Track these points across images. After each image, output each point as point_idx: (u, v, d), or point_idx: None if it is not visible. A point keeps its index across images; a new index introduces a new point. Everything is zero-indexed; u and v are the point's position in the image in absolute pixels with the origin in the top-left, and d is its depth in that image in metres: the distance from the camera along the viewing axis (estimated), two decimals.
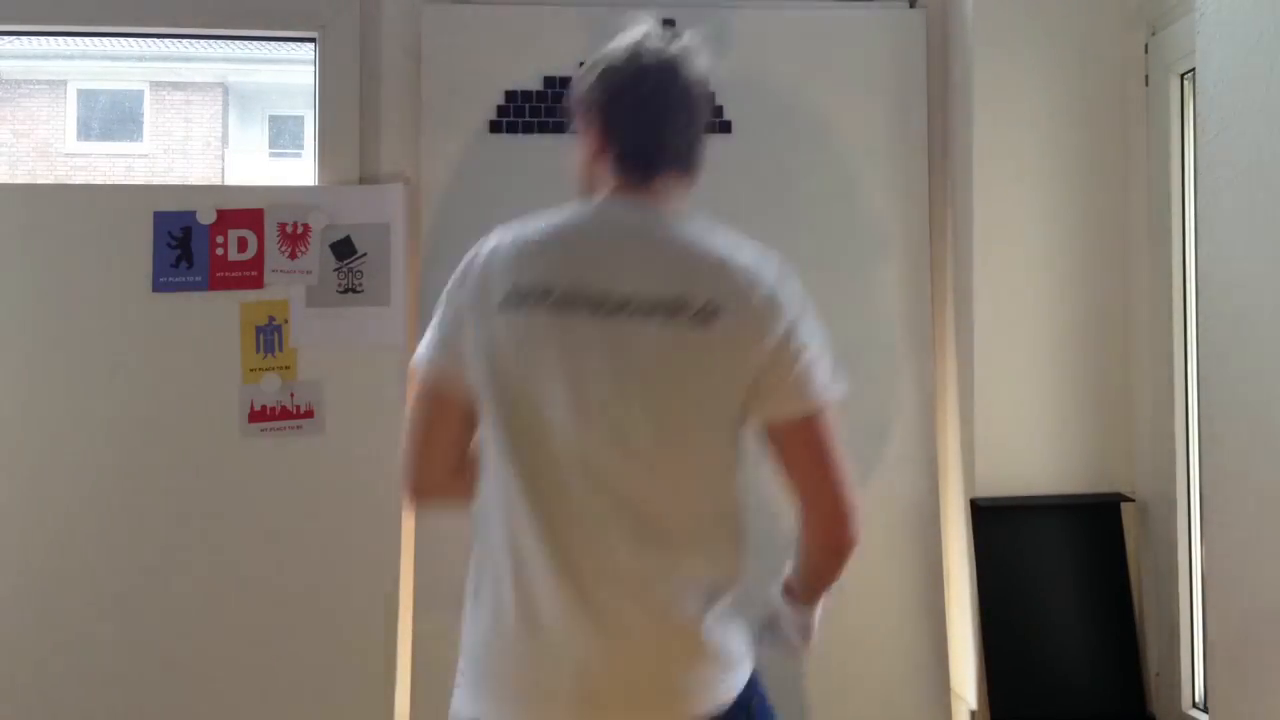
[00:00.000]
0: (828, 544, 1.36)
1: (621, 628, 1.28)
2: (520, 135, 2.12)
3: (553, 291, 1.29)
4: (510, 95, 2.12)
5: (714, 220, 1.38)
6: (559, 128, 2.12)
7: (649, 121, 1.35)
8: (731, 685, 1.31)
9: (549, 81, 2.14)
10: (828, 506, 1.33)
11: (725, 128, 2.15)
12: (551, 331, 1.28)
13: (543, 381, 1.28)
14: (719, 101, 2.14)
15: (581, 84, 1.39)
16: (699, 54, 1.41)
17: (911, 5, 2.23)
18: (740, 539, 1.35)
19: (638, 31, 1.39)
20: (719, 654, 1.30)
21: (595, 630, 1.27)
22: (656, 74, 1.36)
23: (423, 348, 1.38)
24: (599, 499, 1.28)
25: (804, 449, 1.32)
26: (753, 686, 1.35)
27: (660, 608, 1.28)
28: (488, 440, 1.34)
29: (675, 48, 1.39)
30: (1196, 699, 1.95)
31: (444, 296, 1.39)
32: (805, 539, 1.37)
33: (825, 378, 1.32)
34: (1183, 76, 1.97)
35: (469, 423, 1.36)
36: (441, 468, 1.41)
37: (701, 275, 1.28)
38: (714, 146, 2.11)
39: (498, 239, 1.37)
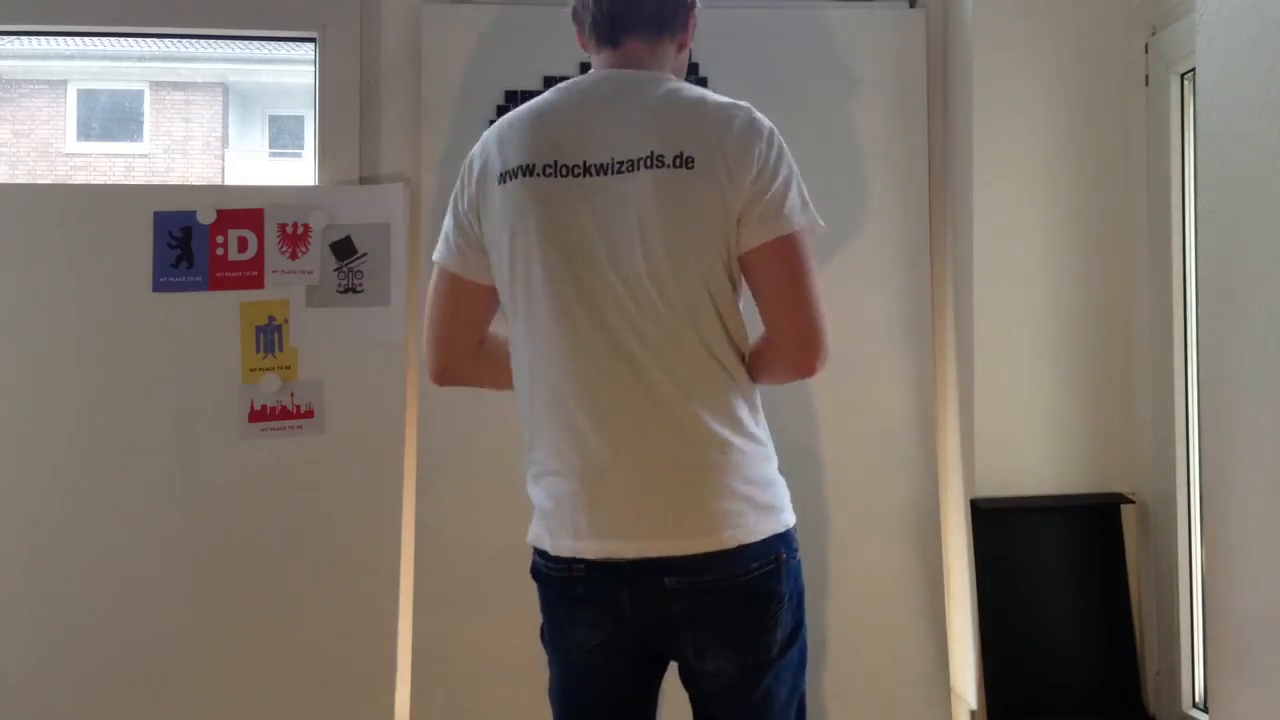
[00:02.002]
0: (789, 368, 1.44)
1: (658, 457, 1.36)
2: None
3: (534, 166, 1.39)
4: (510, 95, 2.12)
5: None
6: None
7: None
8: (760, 526, 1.37)
9: (549, 81, 2.13)
10: (794, 332, 1.41)
11: None
12: (541, 200, 1.38)
13: (545, 246, 1.38)
14: None
15: None
16: None
17: (911, 5, 2.23)
18: (744, 376, 1.43)
19: None
20: (750, 493, 1.37)
21: (637, 462, 1.36)
22: None
23: (439, 249, 1.49)
24: (617, 347, 1.36)
25: (774, 272, 1.40)
26: (785, 541, 1.41)
27: (693, 438, 1.36)
28: (512, 311, 1.44)
29: None
30: (1196, 699, 1.95)
31: (453, 194, 1.50)
32: (768, 357, 1.44)
33: (797, 204, 1.41)
34: (1183, 76, 1.97)
35: (484, 305, 1.49)
36: (461, 349, 1.51)
37: (674, 129, 1.38)
38: None
39: (489, 131, 1.48)
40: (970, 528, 2.04)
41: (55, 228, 2.03)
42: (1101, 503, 2.05)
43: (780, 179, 1.40)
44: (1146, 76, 2.05)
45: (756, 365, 1.44)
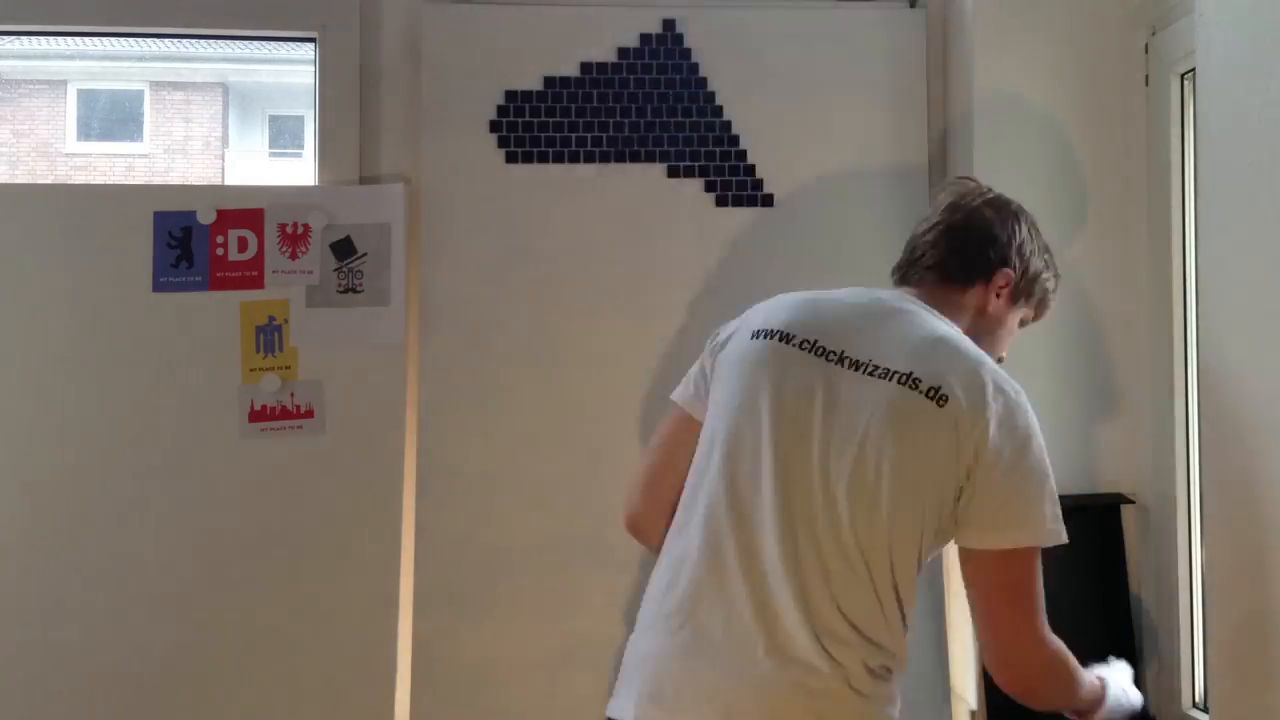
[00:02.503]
0: (1002, 683, 1.39)
1: (787, 660, 1.28)
2: (521, 135, 2.12)
3: (793, 337, 1.38)
4: (510, 95, 2.12)
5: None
6: (559, 128, 2.13)
7: (916, 246, 1.57)
8: None
9: (549, 81, 2.13)
10: (1004, 649, 1.37)
11: (726, 127, 2.15)
12: (782, 362, 1.37)
13: (763, 408, 1.35)
14: (719, 102, 2.15)
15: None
16: (994, 206, 1.57)
17: (911, 5, 2.23)
18: (899, 629, 1.35)
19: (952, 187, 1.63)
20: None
21: (762, 657, 1.29)
22: (939, 214, 1.57)
23: (679, 388, 1.52)
24: (793, 531, 1.31)
25: (995, 582, 1.34)
26: None
27: (825, 654, 1.29)
28: (701, 458, 1.41)
29: (967, 200, 1.57)
30: (1196, 699, 1.95)
31: (706, 348, 1.53)
32: (988, 667, 1.41)
33: (1048, 516, 1.33)
34: (1183, 76, 1.97)
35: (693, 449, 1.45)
36: (667, 497, 1.46)
37: (938, 364, 1.34)
38: (713, 147, 2.11)
39: (757, 306, 1.51)
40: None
41: (55, 228, 2.03)
42: (1101, 503, 2.05)
43: (1036, 478, 1.33)
44: (1146, 76, 2.05)
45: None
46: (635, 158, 2.13)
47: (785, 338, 1.39)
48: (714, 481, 1.37)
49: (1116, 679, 1.52)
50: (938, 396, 1.30)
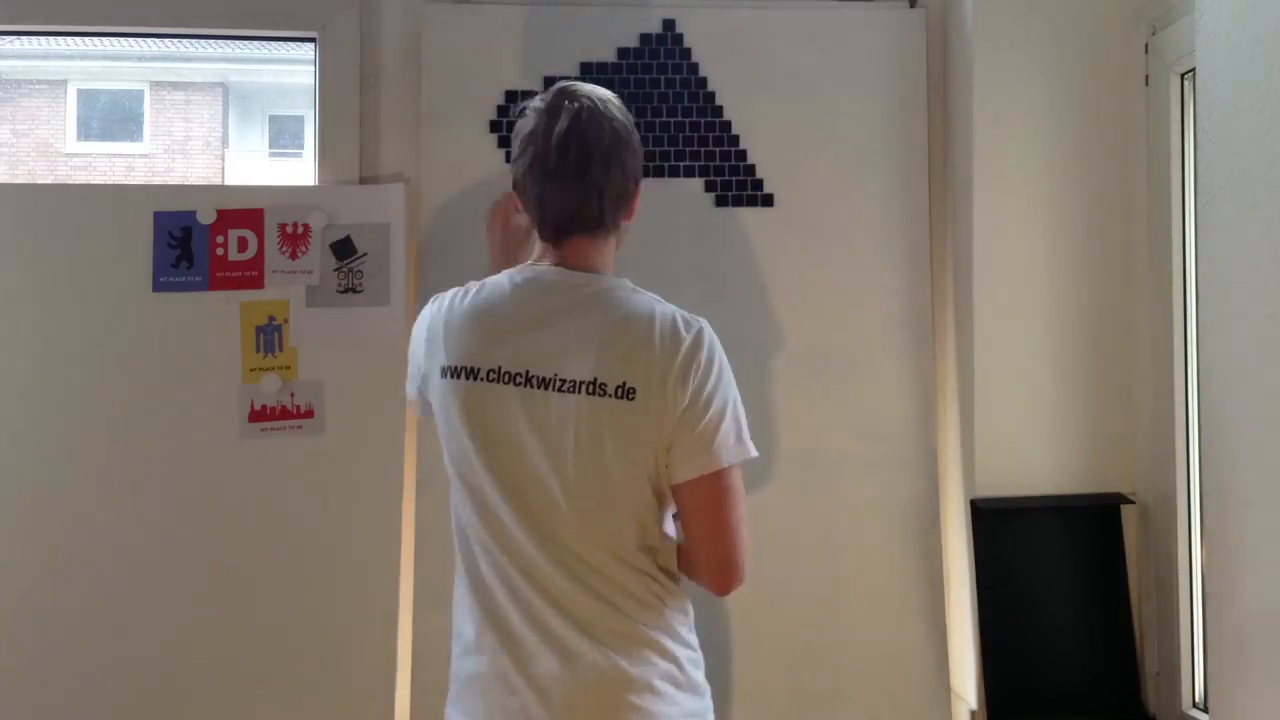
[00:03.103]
0: (705, 585, 1.46)
1: (576, 663, 1.38)
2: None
3: (478, 371, 1.41)
4: (510, 95, 2.12)
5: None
6: None
7: (554, 195, 1.44)
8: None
9: (549, 81, 2.12)
10: (714, 558, 1.42)
11: (726, 127, 2.15)
12: (484, 404, 1.41)
13: (480, 449, 1.41)
14: (719, 102, 2.15)
15: (511, 155, 1.50)
16: (604, 112, 1.46)
17: (911, 5, 2.23)
18: (671, 590, 1.46)
19: (549, 98, 1.47)
20: (666, 696, 1.40)
21: (557, 667, 1.38)
22: (548, 148, 1.43)
23: (409, 378, 1.57)
24: (543, 549, 1.39)
25: (701, 505, 1.41)
26: None
27: (609, 645, 1.39)
28: (451, 484, 1.48)
29: (574, 113, 1.43)
30: (1196, 699, 1.95)
31: (411, 341, 1.56)
32: (686, 569, 1.47)
33: (730, 437, 1.41)
34: (1183, 76, 1.98)
35: None
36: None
37: (617, 356, 1.39)
38: (713, 147, 2.12)
39: (441, 303, 1.50)
40: (970, 528, 2.04)
41: (55, 228, 2.03)
42: (1102, 503, 2.05)
43: (715, 409, 1.40)
44: (1146, 76, 2.05)
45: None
46: None
47: (471, 373, 1.41)
48: (468, 527, 1.45)
49: None
50: (625, 392, 1.38)
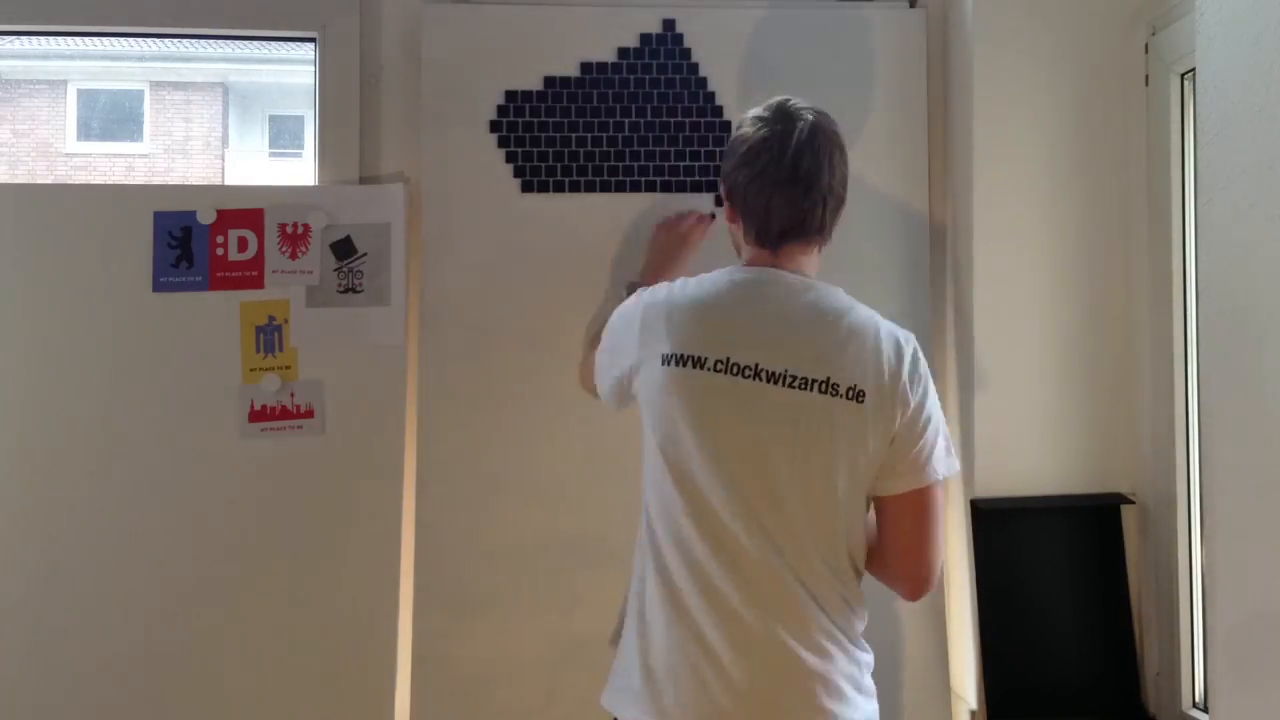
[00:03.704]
0: (898, 590, 1.51)
1: (768, 657, 1.39)
2: (521, 135, 2.12)
3: (706, 360, 1.42)
4: (510, 95, 2.12)
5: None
6: (559, 128, 2.13)
7: (783, 203, 1.49)
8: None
9: (549, 81, 2.14)
10: (913, 570, 1.47)
11: (726, 128, 2.15)
12: (711, 392, 1.42)
13: (708, 433, 1.41)
14: (720, 102, 2.15)
15: (726, 162, 1.55)
16: (828, 127, 1.52)
17: (911, 5, 2.23)
18: (860, 596, 1.49)
19: (775, 109, 1.52)
20: (849, 699, 1.43)
21: (743, 660, 1.39)
22: (782, 158, 1.48)
23: (599, 371, 1.58)
24: (753, 540, 1.40)
25: (909, 519, 1.46)
26: None
27: (803, 641, 1.40)
28: (653, 473, 1.47)
29: (803, 128, 1.49)
30: (1196, 699, 1.95)
31: (606, 336, 1.59)
32: (878, 574, 1.50)
33: (942, 452, 1.46)
34: (1183, 76, 1.97)
35: None
36: None
37: (848, 359, 1.42)
38: (713, 147, 2.12)
39: (655, 294, 1.52)
40: (970, 528, 2.04)
41: (55, 228, 2.03)
42: (1102, 503, 2.05)
43: (931, 425, 1.45)
44: (1146, 76, 2.05)
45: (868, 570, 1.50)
46: (633, 172, 2.13)
47: (698, 362, 1.42)
48: (673, 525, 1.45)
49: None
50: (855, 394, 1.41)
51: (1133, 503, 2.05)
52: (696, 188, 2.14)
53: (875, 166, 2.17)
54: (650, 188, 2.13)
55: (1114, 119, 2.08)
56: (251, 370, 2.03)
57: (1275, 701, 1.40)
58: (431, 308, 2.08)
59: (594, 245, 2.12)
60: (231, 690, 1.97)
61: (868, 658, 1.49)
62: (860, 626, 1.49)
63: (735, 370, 1.41)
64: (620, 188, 2.13)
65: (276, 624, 1.99)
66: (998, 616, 2.00)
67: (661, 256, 1.90)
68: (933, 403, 1.46)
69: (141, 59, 9.35)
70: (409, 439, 2.06)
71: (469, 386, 2.06)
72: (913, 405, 1.43)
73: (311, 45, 2.19)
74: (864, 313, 1.48)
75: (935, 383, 2.13)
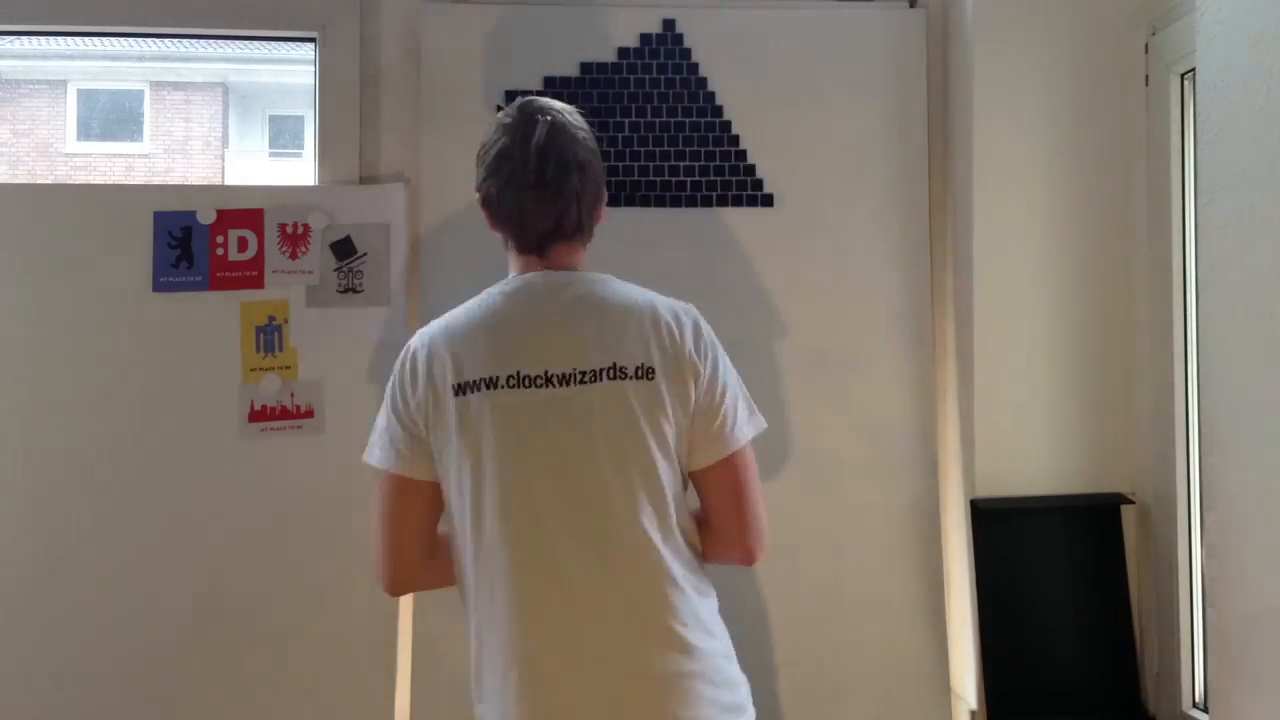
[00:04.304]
0: (733, 559, 1.48)
1: (615, 661, 1.36)
2: None
3: (498, 379, 1.40)
4: (510, 95, 2.12)
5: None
6: None
7: (535, 207, 1.46)
8: None
9: (549, 81, 2.14)
10: (740, 532, 1.45)
11: (725, 127, 2.15)
12: (501, 411, 1.39)
13: (502, 457, 1.38)
14: (719, 102, 2.15)
15: (477, 171, 1.51)
16: (571, 123, 1.49)
17: (911, 5, 2.23)
18: (698, 566, 1.46)
19: (515, 114, 1.49)
20: (713, 685, 1.39)
21: (589, 668, 1.36)
22: (526, 163, 1.45)
23: (375, 448, 1.47)
24: (581, 547, 1.37)
25: (723, 486, 1.44)
26: None
27: (644, 641, 1.37)
28: (461, 515, 1.43)
29: (542, 129, 1.46)
30: (1196, 699, 1.95)
31: (387, 396, 1.48)
32: (711, 547, 1.47)
33: (744, 415, 1.46)
34: (1183, 76, 1.97)
35: (433, 505, 1.47)
36: (417, 553, 1.49)
37: (629, 341, 1.41)
38: (713, 147, 2.12)
39: (424, 339, 1.47)
40: (970, 528, 2.04)
41: (55, 228, 2.03)
42: (1101, 503, 2.05)
43: (729, 392, 1.44)
44: (1146, 76, 2.05)
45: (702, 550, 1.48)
46: (633, 173, 2.13)
47: (491, 383, 1.40)
48: (496, 545, 1.40)
49: None
50: (645, 372, 1.40)
51: (1132, 503, 2.05)
52: (696, 187, 2.14)
53: (875, 166, 2.17)
54: (650, 187, 2.13)
55: (1114, 119, 2.08)
56: (251, 370, 2.03)
57: (1275, 701, 1.40)
58: (431, 308, 2.07)
59: (593, 244, 2.11)
60: (231, 690, 1.97)
61: (722, 645, 1.44)
62: (711, 608, 1.45)
63: (528, 382, 1.39)
64: (621, 187, 2.13)
65: (276, 624, 1.99)
66: (997, 616, 2.00)
67: None
68: (725, 368, 1.45)
69: (141, 59, 9.35)
70: None
71: None
72: (705, 374, 1.42)
73: (311, 45, 2.19)
74: (637, 293, 1.47)
75: (936, 380, 2.16)
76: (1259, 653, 1.43)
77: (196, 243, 2.04)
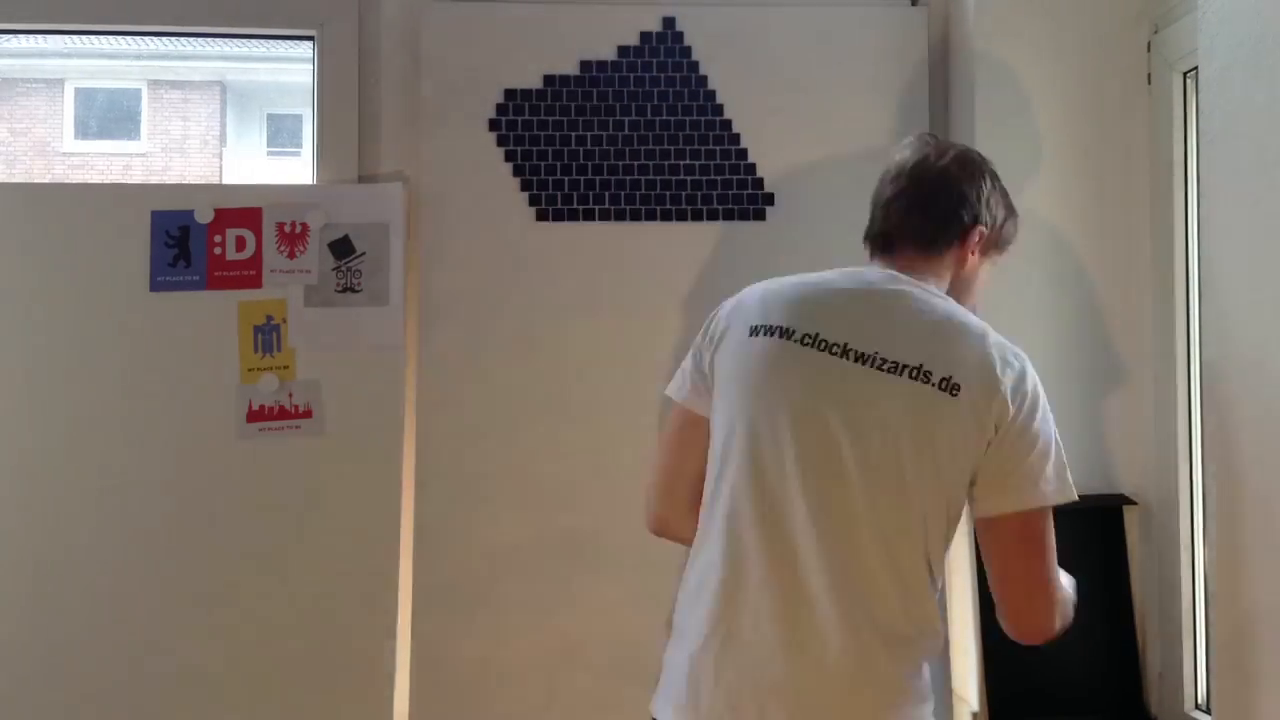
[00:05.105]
0: (1016, 635, 1.43)
1: (822, 653, 1.31)
2: (520, 134, 2.11)
3: (794, 332, 1.37)
4: (510, 94, 2.11)
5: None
6: (559, 127, 2.12)
7: (889, 214, 1.52)
8: None
9: (549, 80, 2.13)
10: (1018, 609, 1.40)
11: (726, 126, 2.14)
12: (794, 361, 1.36)
13: (779, 407, 1.35)
14: (720, 100, 2.14)
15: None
16: (960, 164, 1.54)
17: (913, 3, 2.22)
18: (933, 613, 1.39)
19: (914, 145, 1.56)
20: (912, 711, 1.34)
21: (797, 651, 1.31)
22: (906, 178, 1.53)
23: (673, 383, 1.49)
24: (817, 521, 1.32)
25: (1010, 546, 1.38)
26: None
27: (858, 644, 1.32)
28: (716, 460, 1.40)
29: (932, 160, 1.53)
30: (1199, 700, 1.94)
31: (696, 341, 1.50)
32: (1000, 616, 1.42)
33: (1053, 477, 1.37)
34: (1185, 75, 1.97)
35: (708, 446, 1.44)
36: (686, 497, 1.46)
37: (946, 351, 1.36)
38: (713, 146, 2.11)
39: (747, 292, 1.48)
40: (972, 528, 2.03)
41: (52, 227, 2.02)
42: (1104, 504, 2.04)
43: (1040, 444, 1.36)
44: (1149, 75, 2.04)
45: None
46: (633, 171, 2.13)
47: (785, 333, 1.37)
48: (734, 487, 1.37)
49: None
50: (950, 386, 1.33)
51: (1135, 504, 2.05)
52: (695, 185, 2.13)
53: (876, 166, 2.15)
54: (650, 186, 2.13)
55: (1116, 118, 2.08)
56: (249, 370, 2.02)
57: (1277, 702, 1.39)
58: (431, 308, 2.07)
59: (594, 244, 2.11)
60: (230, 691, 1.96)
61: (919, 685, 1.38)
62: (925, 664, 1.38)
63: (823, 346, 1.35)
64: (621, 186, 2.12)
65: (275, 625, 1.98)
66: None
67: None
68: (1044, 423, 1.37)
69: (139, 57, 9.35)
70: (408, 439, 2.05)
71: (468, 386, 2.06)
72: (1014, 413, 1.33)
73: (310, 43, 2.18)
74: (974, 319, 1.43)
75: None
76: (1262, 654, 1.43)
77: (194, 242, 2.04)
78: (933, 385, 1.33)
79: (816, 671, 1.32)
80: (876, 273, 1.48)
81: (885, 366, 1.34)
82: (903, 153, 1.56)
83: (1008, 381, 1.35)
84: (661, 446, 1.52)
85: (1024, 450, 1.35)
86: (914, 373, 1.33)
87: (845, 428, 1.33)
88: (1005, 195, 1.59)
